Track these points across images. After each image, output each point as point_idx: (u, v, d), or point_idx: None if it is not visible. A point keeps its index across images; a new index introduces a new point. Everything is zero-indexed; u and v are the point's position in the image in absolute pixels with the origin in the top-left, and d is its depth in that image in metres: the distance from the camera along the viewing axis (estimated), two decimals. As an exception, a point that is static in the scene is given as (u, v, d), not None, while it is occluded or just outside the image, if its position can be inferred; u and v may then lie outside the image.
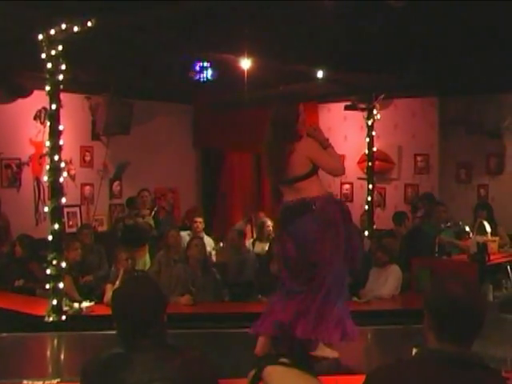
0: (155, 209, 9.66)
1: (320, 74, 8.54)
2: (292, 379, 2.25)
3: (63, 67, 6.17)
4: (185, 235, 8.48)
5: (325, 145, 4.74)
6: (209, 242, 8.67)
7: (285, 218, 4.73)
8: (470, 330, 2.27)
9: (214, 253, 8.93)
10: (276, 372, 2.26)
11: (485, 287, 7.05)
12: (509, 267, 7.87)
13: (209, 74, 8.12)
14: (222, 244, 9.27)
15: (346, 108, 10.17)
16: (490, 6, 5.88)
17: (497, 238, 8.11)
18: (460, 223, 8.36)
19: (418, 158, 10.33)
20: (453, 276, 2.37)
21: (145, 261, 8.19)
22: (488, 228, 7.98)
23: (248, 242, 9.19)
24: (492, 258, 7.59)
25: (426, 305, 2.34)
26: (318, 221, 4.59)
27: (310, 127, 4.81)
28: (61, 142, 6.23)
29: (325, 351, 4.72)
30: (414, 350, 4.39)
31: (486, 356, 2.35)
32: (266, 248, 7.82)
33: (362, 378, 2.36)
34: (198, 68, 8.17)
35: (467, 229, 8.21)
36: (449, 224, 8.46)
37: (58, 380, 4.23)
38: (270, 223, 9.28)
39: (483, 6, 5.92)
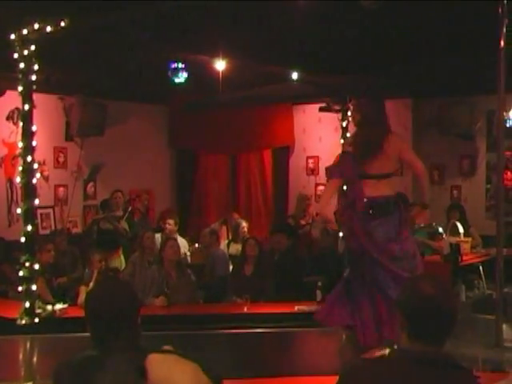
0: (129, 210, 9.61)
1: (295, 75, 8.56)
2: (169, 365, 2.29)
3: (36, 67, 6.12)
4: (158, 237, 8.45)
5: None
6: (183, 243, 8.65)
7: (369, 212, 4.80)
8: (442, 329, 2.29)
9: (188, 254, 8.92)
10: (154, 360, 2.30)
11: (457, 287, 7.12)
12: (481, 267, 7.96)
13: (184, 74, 8.10)
14: (196, 245, 9.26)
15: (321, 109, 10.21)
16: (462, 8, 5.94)
17: (469, 239, 8.21)
18: (433, 224, 8.43)
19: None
20: (425, 276, 2.39)
21: (120, 262, 8.16)
22: (461, 229, 8.06)
23: (223, 243, 9.20)
24: (465, 258, 7.68)
25: (398, 305, 2.35)
26: (401, 220, 4.78)
27: None
28: (34, 143, 6.17)
29: None
30: (387, 350, 4.43)
31: (458, 355, 2.38)
32: (241, 249, 7.82)
33: (335, 378, 2.37)
34: (172, 69, 8.15)
35: (440, 229, 8.29)
36: (422, 225, 8.52)
37: (31, 383, 4.20)
38: (244, 224, 9.29)
39: (456, 9, 5.98)
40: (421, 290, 2.29)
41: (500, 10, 5.09)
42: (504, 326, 5.20)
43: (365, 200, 4.78)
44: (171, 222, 8.86)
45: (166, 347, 2.39)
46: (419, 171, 4.99)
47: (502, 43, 5.13)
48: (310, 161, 11.12)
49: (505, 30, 5.11)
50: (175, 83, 8.12)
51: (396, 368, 2.25)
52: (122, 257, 8.22)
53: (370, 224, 4.75)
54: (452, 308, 2.29)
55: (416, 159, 5.00)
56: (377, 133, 4.82)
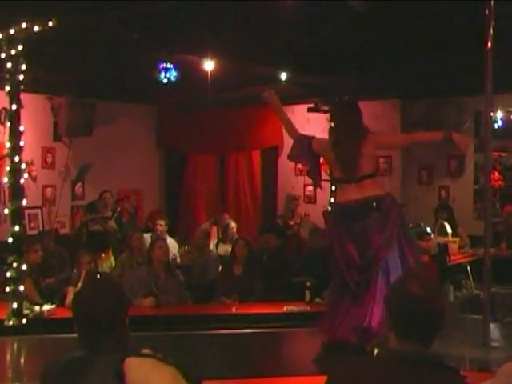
0: (118, 210, 9.58)
1: (283, 76, 8.57)
2: (147, 369, 2.29)
3: (23, 67, 6.10)
4: (147, 237, 8.44)
5: None
6: (172, 243, 8.63)
7: (349, 215, 4.77)
8: (430, 329, 2.29)
9: (178, 255, 8.90)
10: (132, 363, 2.31)
11: (445, 287, 7.15)
12: (469, 267, 8.00)
13: (172, 74, 8.09)
14: (187, 247, 9.25)
15: (309, 110, 10.22)
16: (450, 9, 5.96)
17: (457, 239, 8.24)
18: (421, 224, 8.46)
19: (381, 160, 10.40)
20: (413, 276, 2.39)
21: (110, 263, 8.12)
22: (449, 229, 8.10)
23: (212, 244, 9.19)
24: (452, 258, 7.72)
25: (386, 305, 2.36)
26: (387, 218, 4.72)
27: None
28: (21, 143, 6.15)
29: None
30: (376, 350, 4.45)
31: (446, 355, 2.38)
32: (229, 250, 7.82)
33: (324, 378, 2.37)
34: (161, 69, 8.13)
35: (428, 230, 8.31)
36: (410, 225, 8.54)
37: (18, 384, 4.17)
38: (233, 225, 9.29)
39: (444, 9, 6.01)
40: (408, 290, 2.29)
41: (487, 11, 5.12)
42: (491, 326, 5.22)
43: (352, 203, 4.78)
44: (162, 222, 8.85)
45: (145, 350, 2.38)
46: (405, 139, 5.08)
47: (490, 44, 5.15)
48: (299, 161, 11.12)
49: (492, 30, 5.14)
50: (164, 83, 8.10)
51: (384, 368, 2.26)
52: (113, 259, 8.19)
53: (353, 227, 4.76)
54: (440, 308, 2.29)
55: (392, 136, 5.04)
56: (356, 144, 4.80)
